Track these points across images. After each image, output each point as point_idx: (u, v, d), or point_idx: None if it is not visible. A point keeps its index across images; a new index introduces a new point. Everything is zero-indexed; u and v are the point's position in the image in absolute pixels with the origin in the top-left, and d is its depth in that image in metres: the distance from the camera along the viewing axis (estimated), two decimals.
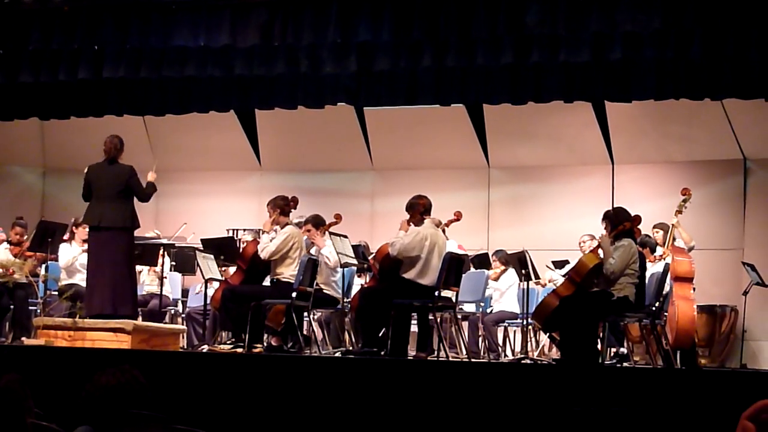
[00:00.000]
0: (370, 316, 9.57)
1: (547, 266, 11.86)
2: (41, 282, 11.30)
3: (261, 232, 10.84)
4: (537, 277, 11.40)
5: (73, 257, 11.31)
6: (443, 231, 10.24)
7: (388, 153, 14.65)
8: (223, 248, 11.43)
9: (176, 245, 12.26)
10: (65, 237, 11.41)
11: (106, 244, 9.70)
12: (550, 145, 14.06)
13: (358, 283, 11.66)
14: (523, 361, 10.29)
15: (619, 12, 9.05)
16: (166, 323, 11.81)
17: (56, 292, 10.91)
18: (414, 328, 10.01)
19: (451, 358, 10.13)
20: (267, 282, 10.51)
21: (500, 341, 12.01)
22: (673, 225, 10.65)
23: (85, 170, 9.93)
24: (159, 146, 14.95)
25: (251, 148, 14.96)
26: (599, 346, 9.15)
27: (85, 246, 11.10)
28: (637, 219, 9.34)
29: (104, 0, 10.10)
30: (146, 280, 12.43)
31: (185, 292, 13.11)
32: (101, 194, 9.74)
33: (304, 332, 10.50)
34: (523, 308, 11.08)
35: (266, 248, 10.12)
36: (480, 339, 11.85)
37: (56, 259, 11.44)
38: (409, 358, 9.53)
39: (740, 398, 6.68)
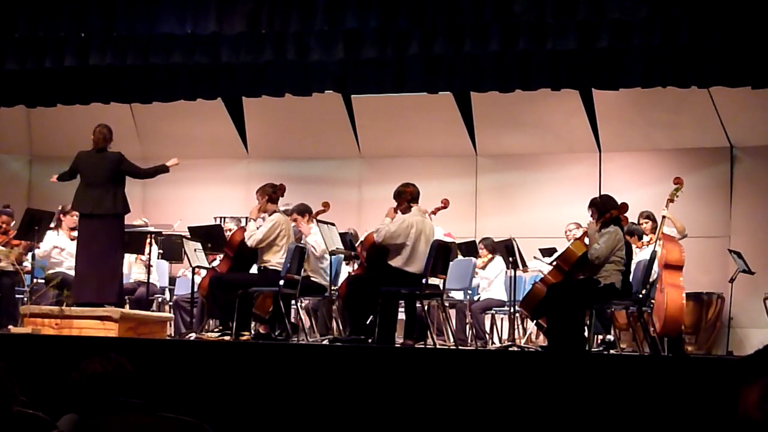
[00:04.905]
0: (357, 304, 9.58)
1: (535, 257, 11.86)
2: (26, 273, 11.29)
3: (247, 219, 10.82)
4: (524, 264, 11.42)
5: (52, 247, 11.26)
6: (430, 218, 10.24)
7: (375, 141, 14.64)
8: (210, 236, 11.41)
9: (163, 233, 12.24)
10: (52, 225, 11.37)
11: (98, 233, 9.70)
12: (538, 132, 14.07)
13: (346, 270, 11.66)
14: (510, 349, 10.32)
15: (606, 0, 9.05)
16: (153, 311, 11.79)
17: (43, 281, 10.88)
18: (401, 315, 10.01)
19: (438, 346, 10.15)
20: (254, 270, 10.50)
21: (488, 329, 12.03)
22: (664, 216, 10.65)
23: (75, 156, 9.96)
24: (146, 134, 14.92)
25: (238, 136, 14.93)
26: (586, 334, 9.18)
27: (72, 234, 11.11)
28: (624, 207, 9.35)
29: None
30: (133, 269, 12.41)
31: (172, 280, 13.09)
32: (91, 182, 9.75)
33: (292, 320, 10.50)
34: (511, 296, 11.10)
35: (253, 236, 10.12)
36: (467, 326, 11.87)
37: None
38: (396, 345, 9.54)
39: (726, 385, 6.71)
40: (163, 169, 10.27)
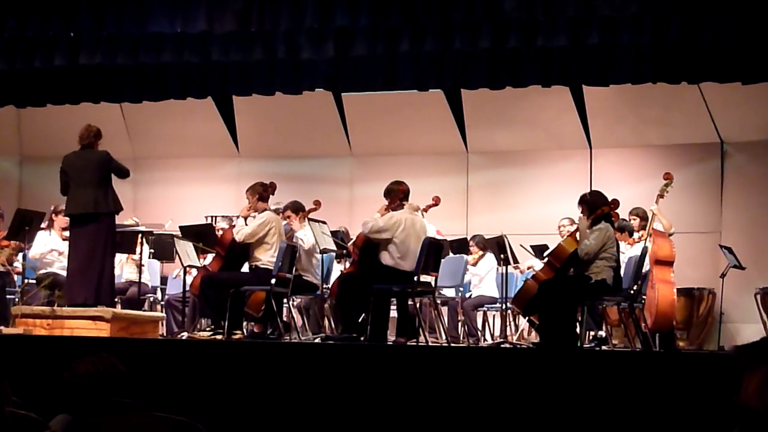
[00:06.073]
0: (349, 302, 9.57)
1: (521, 245, 11.81)
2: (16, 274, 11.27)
3: (236, 217, 10.82)
4: (516, 261, 11.43)
5: (40, 254, 11.20)
6: (422, 216, 10.25)
7: (366, 139, 14.64)
8: (201, 235, 11.41)
9: (155, 233, 12.22)
10: (44, 225, 11.34)
11: (89, 232, 9.66)
12: (528, 129, 14.07)
13: (338, 269, 11.67)
14: (502, 346, 10.33)
15: None
16: (145, 311, 11.78)
17: (34, 281, 10.86)
18: (393, 313, 10.02)
19: (430, 343, 10.15)
20: (245, 269, 10.50)
21: (479, 326, 12.04)
22: (653, 213, 10.67)
23: (62, 163, 9.88)
24: (136, 133, 14.90)
25: (229, 135, 14.91)
26: (578, 330, 9.19)
27: (64, 234, 11.08)
28: (615, 203, 9.37)
29: None
30: (125, 268, 12.39)
31: (164, 280, 13.08)
32: (82, 181, 9.68)
33: (284, 318, 10.50)
34: (502, 293, 11.11)
35: (242, 231, 10.13)
36: (459, 324, 11.88)
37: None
38: (388, 343, 9.54)
39: (718, 380, 6.72)
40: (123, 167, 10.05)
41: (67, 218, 10.41)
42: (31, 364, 7.52)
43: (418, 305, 10.14)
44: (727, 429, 2.49)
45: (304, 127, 14.66)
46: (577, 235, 9.35)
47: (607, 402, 6.82)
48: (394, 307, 10.03)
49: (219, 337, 9.83)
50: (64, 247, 10.92)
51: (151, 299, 12.73)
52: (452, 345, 10.54)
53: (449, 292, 12.10)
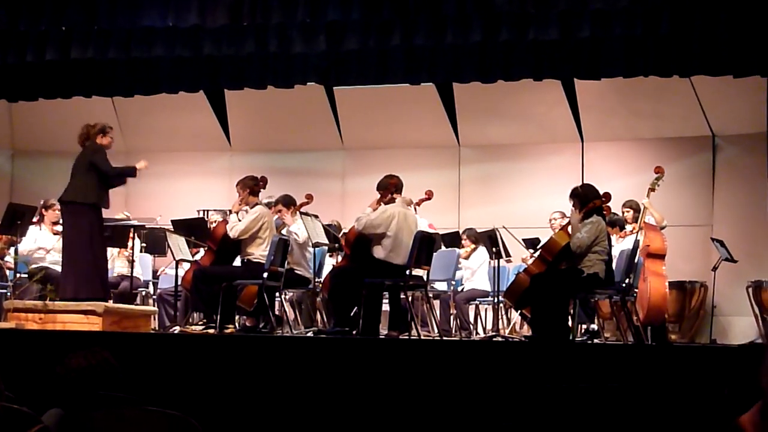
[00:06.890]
0: (341, 296, 9.57)
1: (503, 225, 11.72)
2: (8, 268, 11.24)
3: (229, 212, 10.81)
4: (507, 255, 11.43)
5: (28, 250, 11.12)
6: (414, 210, 10.24)
7: (358, 132, 14.63)
8: (193, 229, 11.40)
9: (146, 227, 12.20)
10: (35, 220, 11.32)
11: (70, 221, 9.64)
12: (520, 123, 14.08)
13: (330, 262, 11.65)
14: (494, 339, 10.35)
15: None
16: (137, 305, 11.77)
17: (26, 275, 10.84)
18: (386, 307, 10.02)
19: (422, 337, 10.16)
20: (237, 262, 10.49)
21: (472, 319, 12.04)
22: (645, 206, 10.69)
23: None
24: (128, 127, 14.87)
25: (221, 129, 14.90)
26: (570, 323, 9.19)
27: (54, 229, 11.07)
28: (607, 196, 9.37)
29: None
30: (117, 262, 12.37)
31: (156, 274, 13.07)
32: (71, 174, 9.72)
33: (276, 312, 10.49)
34: (494, 286, 11.12)
35: (235, 227, 10.11)
36: (451, 317, 11.89)
37: None
38: (380, 337, 9.54)
39: (710, 373, 6.74)
40: (129, 172, 9.96)
41: (57, 213, 10.40)
42: (23, 358, 7.51)
43: (410, 299, 10.14)
44: (722, 420, 2.50)
45: (296, 121, 14.66)
46: (569, 228, 9.35)
47: (599, 395, 6.83)
48: (387, 301, 10.03)
49: (211, 331, 9.82)
50: (53, 242, 10.91)
51: (143, 293, 12.72)
52: (444, 338, 10.55)
53: (441, 286, 12.10)
